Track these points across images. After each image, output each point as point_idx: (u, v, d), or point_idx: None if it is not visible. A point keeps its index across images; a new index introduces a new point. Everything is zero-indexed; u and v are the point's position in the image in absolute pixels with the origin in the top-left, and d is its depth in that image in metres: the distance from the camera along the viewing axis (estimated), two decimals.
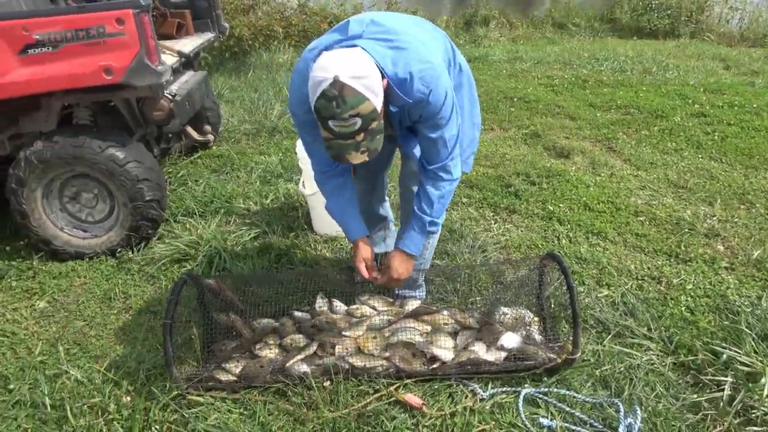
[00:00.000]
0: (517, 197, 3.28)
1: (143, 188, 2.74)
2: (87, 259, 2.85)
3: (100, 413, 1.92)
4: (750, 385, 1.86)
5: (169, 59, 2.99)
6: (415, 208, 1.96)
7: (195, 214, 3.18)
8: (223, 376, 2.01)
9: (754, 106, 4.74)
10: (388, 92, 1.68)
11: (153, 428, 1.85)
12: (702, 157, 3.82)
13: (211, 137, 3.98)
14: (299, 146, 2.81)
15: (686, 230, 2.93)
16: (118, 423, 1.87)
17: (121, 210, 2.81)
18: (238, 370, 2.03)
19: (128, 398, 1.97)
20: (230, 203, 3.28)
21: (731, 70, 6.11)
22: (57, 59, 2.49)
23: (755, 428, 1.76)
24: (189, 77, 3.46)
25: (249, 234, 2.93)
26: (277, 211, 3.17)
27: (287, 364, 2.02)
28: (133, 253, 2.84)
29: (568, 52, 6.88)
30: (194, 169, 3.80)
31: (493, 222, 3.06)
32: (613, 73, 5.91)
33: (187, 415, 1.86)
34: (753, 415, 1.80)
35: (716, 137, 4.11)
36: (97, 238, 2.89)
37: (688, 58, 6.57)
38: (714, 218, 3.03)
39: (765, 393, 1.82)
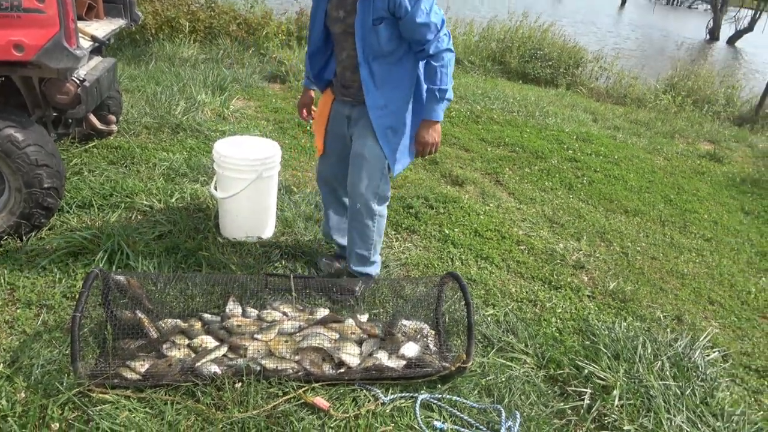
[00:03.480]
0: (417, 219, 3.54)
1: (42, 174, 2.59)
2: None
3: None
4: (605, 396, 2.23)
5: (84, 43, 2.86)
6: (426, 83, 2.30)
7: (92, 206, 3.04)
8: (128, 374, 1.99)
9: (615, 157, 5.49)
10: None
11: (51, 426, 1.79)
12: (573, 198, 4.37)
13: (114, 127, 3.80)
14: (216, 148, 2.83)
15: (558, 261, 3.36)
16: (12, 419, 1.78)
17: (13, 195, 2.62)
18: (143, 369, 2.02)
19: (23, 394, 1.88)
20: (132, 198, 3.18)
21: (598, 122, 6.99)
22: None
23: None
24: (98, 63, 3.31)
25: (153, 232, 2.87)
26: (182, 211, 3.13)
27: (197, 364, 2.04)
28: (21, 242, 2.66)
29: (463, 87, 7.41)
30: (90, 159, 3.61)
31: (395, 240, 3.28)
32: (502, 112, 6.50)
33: (91, 413, 1.82)
34: (606, 421, 2.15)
35: (585, 181, 4.72)
36: None
37: (564, 107, 7.39)
38: (580, 252, 3.50)
39: (615, 403, 2.19)
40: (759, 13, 24.58)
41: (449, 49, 2.26)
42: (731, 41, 24.12)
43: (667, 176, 5.28)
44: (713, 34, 24.91)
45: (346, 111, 2.49)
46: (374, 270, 2.71)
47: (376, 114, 2.34)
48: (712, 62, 15.38)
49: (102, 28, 3.32)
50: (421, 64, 2.36)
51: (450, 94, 2.31)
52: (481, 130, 5.71)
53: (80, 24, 3.16)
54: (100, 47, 3.37)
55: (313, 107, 2.73)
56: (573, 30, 14.86)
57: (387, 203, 2.58)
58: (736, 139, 7.23)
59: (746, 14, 24.91)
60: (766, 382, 2.60)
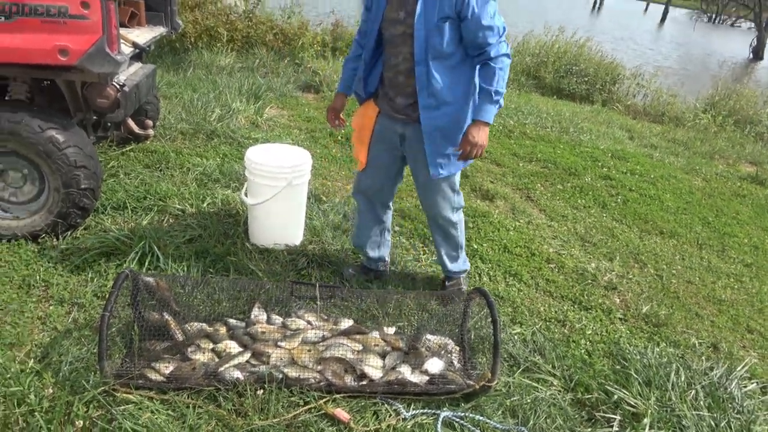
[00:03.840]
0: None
1: (80, 175, 2.66)
2: (4, 242, 2.70)
3: (16, 404, 1.84)
4: (635, 423, 2.15)
5: (125, 49, 2.94)
6: (481, 83, 2.28)
7: (126, 208, 3.10)
8: (153, 375, 2.01)
9: (651, 176, 5.36)
10: None
11: (75, 423, 1.81)
12: (606, 217, 4.28)
13: (151, 132, 3.89)
14: (248, 155, 2.86)
15: (589, 281, 3.27)
16: (39, 414, 1.81)
17: (52, 195, 2.70)
18: (168, 371, 2.04)
19: (50, 390, 1.91)
20: (165, 202, 3.23)
21: (635, 140, 6.85)
22: (8, 30, 2.40)
23: None
24: (138, 68, 3.39)
25: (184, 236, 2.92)
26: (213, 216, 3.17)
27: (220, 369, 2.05)
28: (57, 240, 2.73)
29: None
30: (126, 162, 3.70)
31: (422, 253, 3.25)
32: (535, 127, 6.43)
33: (115, 412, 1.84)
34: None
35: (619, 200, 4.62)
36: (19, 221, 2.74)
37: (599, 123, 7.27)
38: (613, 273, 3.41)
39: (646, 431, 2.11)
40: None
41: (508, 55, 2.28)
42: None
43: (706, 198, 5.12)
44: (757, 53, 24.26)
45: (399, 128, 2.46)
46: (468, 264, 2.90)
47: (427, 114, 2.32)
48: (756, 82, 14.96)
49: (143, 35, 3.41)
50: (477, 68, 2.34)
51: (502, 100, 2.31)
52: (513, 144, 5.65)
53: (122, 31, 3.26)
54: (140, 53, 3.47)
55: (342, 116, 2.69)
56: (612, 46, 14.69)
57: (462, 207, 2.69)
58: None
59: None
60: None
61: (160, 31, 3.71)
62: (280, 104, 5.65)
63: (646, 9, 47.98)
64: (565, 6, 34.75)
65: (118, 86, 2.94)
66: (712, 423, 2.19)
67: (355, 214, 3.43)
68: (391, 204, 2.82)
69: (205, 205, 3.27)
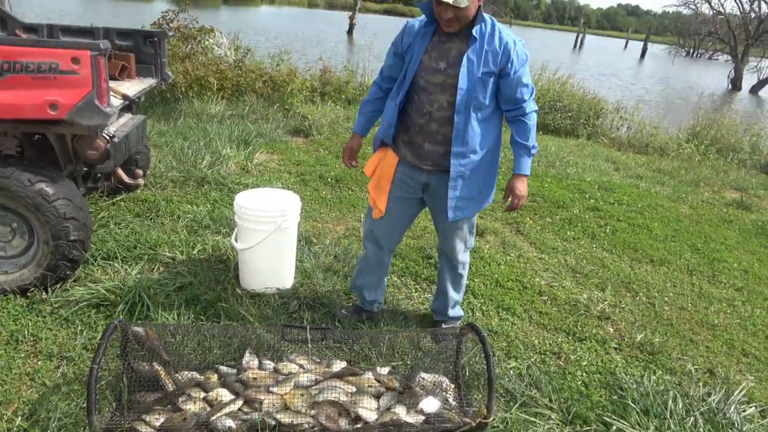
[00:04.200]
0: (436, 269, 3.51)
1: (69, 227, 2.67)
2: None
3: None
4: None
5: (115, 101, 3.00)
6: (518, 139, 2.41)
7: (116, 258, 3.10)
8: (143, 428, 1.97)
9: (639, 205, 5.43)
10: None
11: None
12: (596, 247, 4.31)
13: (141, 181, 3.92)
14: (237, 201, 2.89)
15: (582, 311, 3.27)
16: None
17: (41, 247, 2.70)
18: (158, 423, 2.00)
19: None
20: (155, 250, 3.24)
21: (620, 171, 6.95)
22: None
23: None
24: (128, 119, 3.46)
25: (174, 283, 2.91)
26: (204, 262, 3.17)
27: (212, 418, 2.01)
28: (46, 294, 2.72)
29: None
30: (116, 212, 3.72)
31: (414, 290, 3.25)
32: None
33: None
34: None
35: (608, 230, 4.66)
36: (7, 275, 2.73)
37: (585, 156, 7.39)
38: (605, 302, 3.41)
39: None
40: None
41: (536, 111, 2.45)
42: (754, 90, 24.09)
43: (693, 225, 5.18)
44: (735, 84, 24.94)
45: (423, 178, 2.49)
46: (462, 312, 2.96)
47: (456, 161, 2.38)
48: (735, 111, 15.32)
49: (133, 87, 3.48)
50: (509, 123, 2.46)
51: (536, 150, 2.48)
52: (501, 180, 5.69)
53: (112, 83, 3.34)
54: (130, 105, 3.54)
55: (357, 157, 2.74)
56: (597, 83, 15.07)
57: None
58: (763, 186, 7.09)
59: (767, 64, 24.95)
60: None
61: (150, 82, 3.80)
62: (270, 149, 5.73)
63: (626, 46, 49.44)
64: (548, 44, 35.78)
65: (107, 138, 2.98)
66: None
67: (346, 254, 3.45)
68: (395, 249, 2.88)
69: (195, 251, 3.27)
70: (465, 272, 2.80)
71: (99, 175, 3.68)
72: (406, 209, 2.62)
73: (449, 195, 2.43)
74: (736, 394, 2.56)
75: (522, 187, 2.45)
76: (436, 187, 2.49)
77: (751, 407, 2.53)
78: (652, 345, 2.98)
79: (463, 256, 2.72)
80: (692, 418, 2.31)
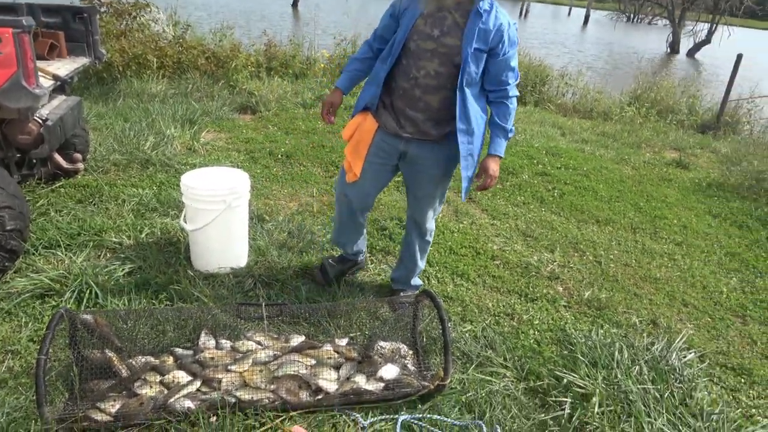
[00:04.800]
0: (391, 240, 3.54)
1: (5, 216, 2.54)
2: None
3: None
4: (585, 404, 2.23)
5: (45, 82, 2.84)
6: (497, 120, 2.43)
7: (59, 246, 2.98)
8: (98, 416, 1.93)
9: (584, 169, 5.59)
10: None
11: None
12: (545, 211, 4.43)
13: (81, 166, 3.76)
14: (184, 181, 2.81)
15: (533, 273, 3.38)
16: None
17: None
18: (114, 409, 1.97)
19: None
20: (100, 236, 3.13)
21: (566, 136, 7.12)
22: None
23: None
24: (61, 101, 3.29)
25: (123, 269, 2.83)
26: (153, 246, 3.09)
27: (170, 401, 1.99)
28: None
29: None
30: (56, 199, 3.56)
31: (370, 263, 3.27)
32: None
33: None
34: (587, 429, 2.15)
35: (556, 194, 4.79)
36: None
37: (533, 123, 7.53)
38: (554, 263, 3.53)
39: (596, 410, 2.19)
40: (715, 26, 25.54)
41: (518, 96, 2.47)
42: (691, 53, 24.96)
43: (636, 185, 5.38)
44: (673, 48, 25.77)
45: (401, 146, 2.50)
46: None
47: (463, 139, 2.38)
48: (674, 74, 15.87)
49: (65, 66, 3.31)
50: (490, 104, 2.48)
51: (513, 134, 2.52)
52: None
53: (41, 63, 3.16)
54: (63, 86, 3.37)
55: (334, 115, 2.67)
56: (544, 51, 15.26)
57: None
58: (700, 145, 7.42)
59: (703, 27, 25.87)
60: (742, 380, 2.63)
61: (83, 61, 3.62)
62: (216, 127, 5.58)
63: (569, 13, 50.16)
64: None
65: (40, 121, 2.85)
66: (657, 394, 2.29)
67: (300, 230, 3.44)
68: (371, 208, 2.92)
69: (143, 235, 3.18)
70: (431, 239, 2.85)
71: (34, 161, 3.51)
72: (380, 174, 2.64)
73: (464, 174, 2.46)
74: (677, 342, 2.71)
75: (495, 167, 2.46)
76: (414, 156, 2.51)
77: (690, 353, 2.69)
78: (599, 301, 3.11)
79: (432, 224, 2.77)
80: (637, 367, 2.44)
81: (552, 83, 9.88)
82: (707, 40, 25.20)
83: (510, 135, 2.46)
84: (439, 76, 2.32)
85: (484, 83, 2.39)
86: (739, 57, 8.63)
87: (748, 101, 9.15)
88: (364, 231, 2.97)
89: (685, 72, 17.97)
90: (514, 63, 2.35)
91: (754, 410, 2.41)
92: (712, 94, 10.25)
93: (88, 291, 2.60)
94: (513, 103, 2.42)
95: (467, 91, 2.32)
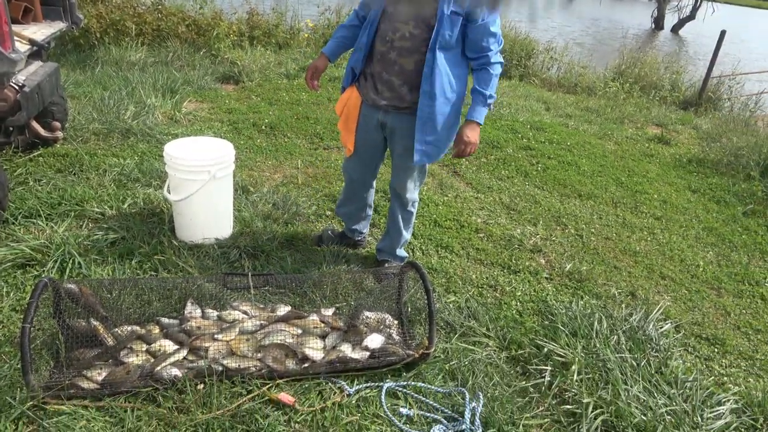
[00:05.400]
0: (377, 212, 3.54)
1: None
2: None
3: None
4: (564, 372, 2.29)
5: (21, 47, 2.76)
6: (476, 86, 2.38)
7: (40, 216, 2.94)
8: (85, 384, 1.94)
9: (568, 143, 5.63)
10: None
11: None
12: (528, 185, 4.46)
13: (60, 134, 3.67)
14: (167, 151, 2.78)
15: (516, 246, 3.42)
16: None
17: None
18: (101, 377, 1.97)
19: None
20: (82, 206, 3.08)
21: (551, 111, 7.14)
22: None
23: (568, 406, 2.17)
24: (38, 68, 3.20)
25: (106, 239, 2.80)
26: (136, 216, 3.06)
27: (156, 369, 2.00)
28: None
29: None
30: (35, 168, 3.49)
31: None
32: None
33: (47, 425, 1.76)
34: (566, 396, 2.21)
35: (539, 168, 4.83)
36: None
37: (518, 97, 7.53)
38: (537, 236, 3.58)
39: (575, 378, 2.25)
40: (699, 2, 25.54)
41: (502, 63, 2.42)
42: (675, 29, 25.01)
43: (618, 160, 5.44)
44: (658, 24, 25.77)
45: (380, 117, 2.53)
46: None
47: (425, 101, 2.36)
48: (657, 50, 15.92)
49: (41, 31, 3.21)
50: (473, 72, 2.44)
51: (494, 100, 2.43)
52: None
53: (16, 27, 3.06)
54: (39, 51, 3.27)
55: (319, 80, 2.70)
56: (533, 26, 15.15)
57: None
58: (681, 122, 7.50)
59: (688, 3, 25.86)
60: (715, 350, 2.72)
61: (59, 26, 3.51)
62: (198, 97, 5.48)
63: None
64: None
65: (16, 87, 2.77)
66: (634, 363, 2.37)
67: (285, 202, 3.43)
68: (374, 183, 2.91)
69: (126, 206, 3.15)
70: (414, 210, 2.85)
71: (11, 128, 3.42)
72: (373, 148, 2.69)
73: (417, 137, 2.44)
74: (654, 313, 2.79)
75: (472, 134, 2.42)
76: (392, 128, 2.53)
77: (667, 324, 2.77)
78: (579, 273, 3.17)
79: (413, 194, 2.76)
80: (615, 337, 2.51)
81: (537, 57, 9.85)
82: (692, 16, 25.22)
83: (489, 102, 2.40)
84: (413, 38, 2.32)
85: (466, 50, 2.37)
86: (723, 34, 8.68)
87: (729, 78, 9.24)
88: (368, 212, 3.01)
89: (669, 48, 18.04)
90: (494, 29, 2.30)
91: (725, 378, 2.51)
92: (695, 71, 10.34)
93: (70, 261, 2.58)
94: (495, 70, 2.38)
95: (439, 54, 2.30)
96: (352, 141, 2.67)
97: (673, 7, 26.18)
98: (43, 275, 2.49)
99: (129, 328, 2.21)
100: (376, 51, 2.44)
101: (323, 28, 8.76)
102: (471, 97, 2.45)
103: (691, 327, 2.87)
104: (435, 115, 2.39)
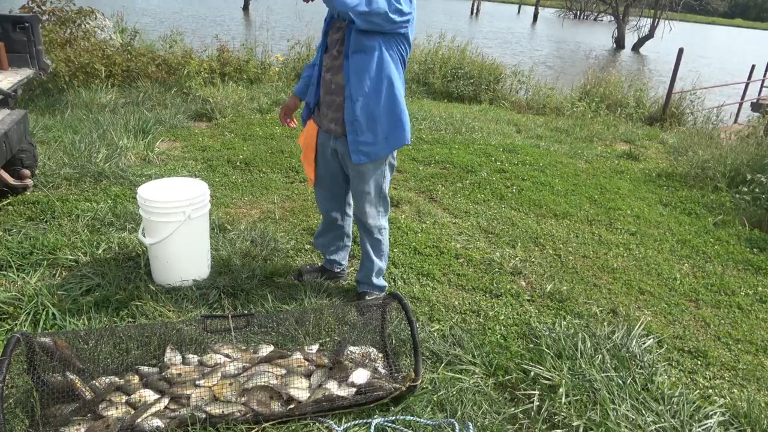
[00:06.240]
0: (355, 243, 3.53)
1: None
2: None
3: None
4: (552, 395, 2.29)
5: None
6: None
7: (11, 267, 2.86)
8: None
9: (540, 164, 5.73)
10: None
11: None
12: (504, 207, 4.51)
13: (29, 182, 3.61)
14: (140, 193, 2.75)
15: (496, 269, 3.44)
16: None
17: None
18: None
19: None
20: (54, 254, 3.02)
21: (522, 133, 7.28)
22: None
23: (558, 431, 2.16)
24: (5, 116, 3.16)
25: (81, 287, 2.74)
26: (111, 261, 3.00)
27: (137, 420, 1.94)
28: None
29: None
30: (5, 217, 3.41)
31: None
32: (430, 131, 6.66)
33: None
34: (556, 420, 2.20)
35: (514, 190, 4.89)
36: None
37: (489, 121, 7.66)
38: (516, 258, 3.61)
39: (563, 400, 2.25)
40: (657, 20, 26.52)
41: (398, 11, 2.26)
42: (635, 48, 25.88)
43: (590, 178, 5.55)
44: (619, 43, 26.65)
45: (331, 144, 2.63)
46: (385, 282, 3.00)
47: (347, 106, 2.46)
48: (620, 68, 16.43)
49: (7, 79, 3.19)
50: (392, 58, 2.44)
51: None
52: (411, 150, 5.82)
53: None
54: (6, 99, 3.23)
55: (293, 118, 2.87)
56: (500, 51, 15.53)
57: (389, 213, 2.85)
58: (648, 137, 7.71)
59: (646, 23, 26.84)
60: (698, 362, 2.75)
61: (26, 73, 3.49)
62: (171, 136, 5.46)
63: (519, 11, 51.22)
64: (447, 13, 36.32)
65: None
66: (620, 381, 2.38)
67: (263, 238, 3.41)
68: (349, 211, 2.94)
69: (100, 251, 3.09)
70: (383, 237, 2.83)
71: None
72: (334, 176, 2.76)
73: (348, 138, 2.52)
74: (636, 328, 2.82)
75: None
76: (342, 154, 2.62)
77: (650, 339, 2.79)
78: (560, 293, 3.20)
79: (376, 221, 2.75)
80: (600, 356, 2.53)
81: (506, 81, 10.09)
82: (650, 35, 26.15)
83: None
84: (339, 56, 2.45)
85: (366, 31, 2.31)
86: (681, 51, 9.01)
87: (690, 93, 9.56)
88: (346, 242, 3.04)
89: (631, 66, 18.63)
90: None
91: (710, 390, 2.53)
92: (658, 87, 10.68)
93: (44, 312, 2.51)
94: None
95: (354, 57, 2.38)
96: (311, 171, 2.79)
97: (633, 26, 27.11)
98: (15, 329, 2.41)
99: (107, 380, 2.15)
100: (322, 80, 2.58)
101: (294, 61, 8.86)
102: None
103: (673, 341, 2.90)
104: (357, 116, 2.46)
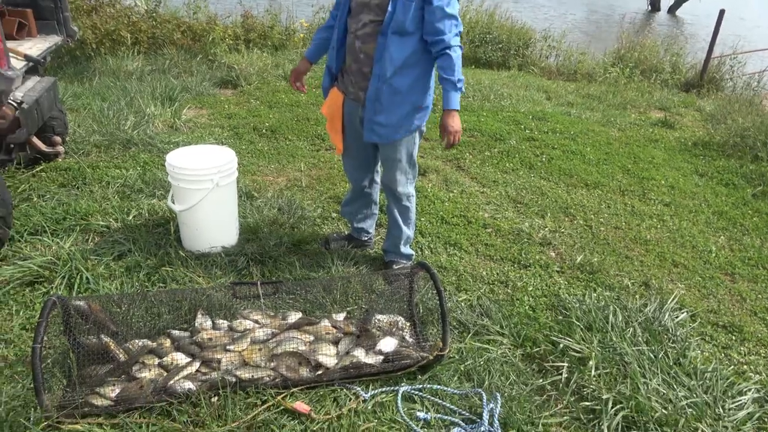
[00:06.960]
0: (382, 212, 3.51)
1: None
2: None
3: None
4: (581, 368, 2.26)
5: (17, 63, 2.74)
6: (443, 74, 2.38)
7: (45, 232, 2.92)
8: (98, 401, 1.92)
9: (571, 132, 5.58)
10: None
11: None
12: (534, 176, 4.42)
13: (61, 149, 3.66)
14: (169, 160, 2.75)
15: (525, 240, 3.39)
16: None
17: None
18: (114, 394, 1.95)
19: None
20: (87, 220, 3.07)
21: (552, 100, 7.09)
22: None
23: (587, 403, 2.14)
24: (36, 83, 3.18)
25: (113, 252, 2.78)
26: (141, 227, 3.04)
27: (170, 383, 1.98)
28: None
29: None
30: (38, 184, 3.47)
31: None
32: None
33: None
34: (584, 393, 2.18)
35: (544, 159, 4.78)
36: None
37: (518, 88, 7.47)
38: (546, 229, 3.54)
39: (592, 373, 2.22)
40: None
41: (461, 47, 2.41)
42: (671, 10, 24.80)
43: (623, 147, 5.39)
44: (654, 5, 25.56)
45: (360, 113, 2.57)
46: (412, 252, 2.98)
47: (374, 81, 2.41)
48: (656, 32, 15.79)
49: (36, 46, 3.19)
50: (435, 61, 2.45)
51: (463, 83, 2.42)
52: (438, 118, 5.70)
53: (11, 44, 3.04)
54: (36, 67, 3.25)
55: (304, 82, 2.83)
56: (531, 15, 15.04)
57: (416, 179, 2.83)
58: (684, 104, 7.43)
59: None
60: (733, 337, 2.69)
61: (54, 40, 3.49)
62: (198, 104, 5.46)
63: None
64: None
65: (15, 104, 2.75)
66: (651, 355, 2.34)
67: (290, 206, 3.41)
68: (377, 179, 2.92)
69: (131, 217, 3.13)
70: (411, 205, 2.81)
71: (12, 145, 3.40)
72: (359, 144, 2.70)
73: (365, 115, 2.49)
74: (669, 302, 2.76)
75: (452, 122, 2.43)
76: None
77: (683, 313, 2.73)
78: (591, 265, 3.14)
79: (405, 188, 2.73)
80: (631, 329, 2.48)
81: (535, 46, 9.78)
82: None
83: (459, 86, 2.39)
84: (372, 24, 2.38)
85: (424, 35, 2.36)
86: (722, 13, 8.59)
87: (730, 58, 9.15)
88: (374, 210, 3.03)
89: (667, 30, 17.90)
90: (450, 11, 2.30)
91: (745, 366, 2.47)
92: (695, 52, 10.24)
93: (78, 276, 2.56)
94: (455, 53, 2.36)
95: (391, 38, 2.33)
96: (339, 140, 2.75)
97: None
98: (51, 293, 2.47)
99: (140, 343, 2.20)
100: (347, 45, 2.51)
101: (318, 27, 8.72)
102: (441, 85, 2.44)
103: (707, 315, 2.83)
104: (381, 96, 2.43)
